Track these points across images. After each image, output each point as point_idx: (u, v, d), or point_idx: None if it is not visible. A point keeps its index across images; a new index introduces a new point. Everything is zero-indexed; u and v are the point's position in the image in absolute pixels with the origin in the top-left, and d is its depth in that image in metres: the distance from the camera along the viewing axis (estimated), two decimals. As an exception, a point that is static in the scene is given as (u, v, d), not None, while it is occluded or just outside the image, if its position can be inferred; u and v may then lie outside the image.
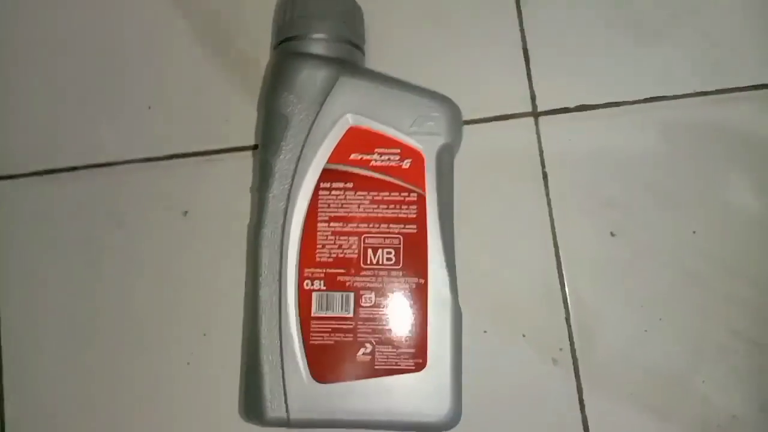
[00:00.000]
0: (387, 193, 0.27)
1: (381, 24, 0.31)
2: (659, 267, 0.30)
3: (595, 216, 0.30)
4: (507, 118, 0.30)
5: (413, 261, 0.26)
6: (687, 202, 0.30)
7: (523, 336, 0.29)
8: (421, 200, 0.27)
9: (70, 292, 0.30)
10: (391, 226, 0.26)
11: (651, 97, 0.31)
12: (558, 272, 0.30)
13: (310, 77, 0.27)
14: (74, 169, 0.30)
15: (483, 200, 0.30)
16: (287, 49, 0.28)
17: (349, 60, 0.28)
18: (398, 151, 0.27)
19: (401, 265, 0.26)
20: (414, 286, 0.26)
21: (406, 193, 0.27)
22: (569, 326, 0.29)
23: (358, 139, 0.27)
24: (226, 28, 0.31)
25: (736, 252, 0.30)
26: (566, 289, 0.30)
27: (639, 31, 0.31)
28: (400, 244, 0.26)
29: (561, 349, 0.29)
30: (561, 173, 0.30)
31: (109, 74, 0.31)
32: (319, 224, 0.26)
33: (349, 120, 0.27)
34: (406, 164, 0.27)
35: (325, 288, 0.26)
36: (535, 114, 0.30)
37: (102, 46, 0.31)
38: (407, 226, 0.26)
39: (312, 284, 0.26)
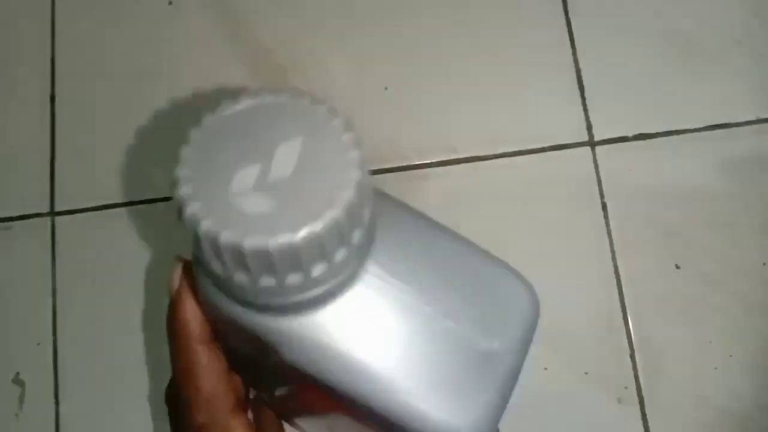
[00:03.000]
0: None
1: (436, 53, 0.31)
2: (727, 300, 0.28)
3: (658, 247, 0.29)
4: (562, 148, 0.30)
5: None
6: (754, 232, 0.29)
7: (586, 374, 0.28)
8: None
9: (130, 326, 0.30)
10: None
11: (712, 125, 0.30)
12: (621, 306, 0.29)
13: None
14: (133, 203, 0.31)
15: (539, 232, 0.29)
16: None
17: None
18: None
19: None
20: None
21: None
22: (634, 363, 0.28)
23: None
24: (280, 64, 0.32)
25: (811, 285, 0.28)
26: (630, 324, 0.28)
27: (697, 58, 0.30)
28: None
29: (626, 388, 0.28)
30: (621, 203, 0.29)
31: (167, 108, 0.32)
32: None
33: None
34: None
35: None
36: (592, 143, 0.30)
37: (161, 89, 0.32)
38: None
39: None
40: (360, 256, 0.18)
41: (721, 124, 0.30)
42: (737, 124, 0.30)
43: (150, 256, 0.30)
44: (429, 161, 0.30)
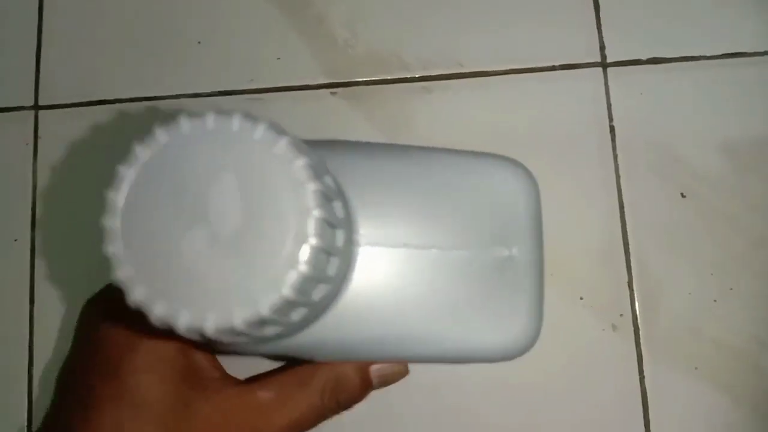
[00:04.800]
0: None
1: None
2: (732, 233, 0.27)
3: (665, 175, 0.28)
4: (573, 68, 0.29)
5: None
6: (764, 164, 0.28)
7: (581, 299, 0.27)
8: None
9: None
10: None
11: (728, 53, 0.29)
12: (622, 233, 0.28)
13: None
14: (119, 101, 0.29)
15: (543, 152, 0.28)
16: None
17: None
18: None
19: None
20: None
21: None
22: (631, 291, 0.27)
23: None
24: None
25: (819, 220, 0.27)
26: (630, 252, 0.28)
27: (719, -17, 0.29)
28: None
29: (621, 315, 0.27)
30: (630, 128, 0.28)
31: (158, 7, 0.30)
32: None
33: None
34: None
35: None
36: (604, 65, 0.29)
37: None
38: None
39: None
40: (347, 253, 0.16)
41: (737, 53, 0.28)
42: (754, 54, 0.28)
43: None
44: (433, 74, 0.29)
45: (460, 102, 0.29)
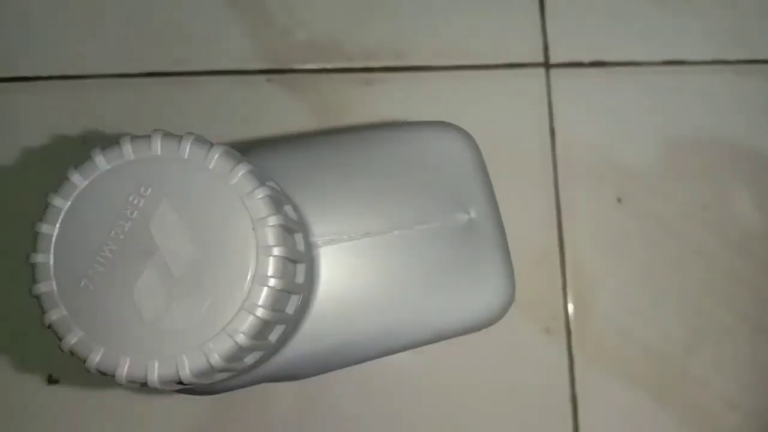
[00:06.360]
0: None
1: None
2: (665, 240, 0.28)
3: (603, 179, 0.28)
4: (515, 67, 0.28)
5: None
6: (700, 173, 0.28)
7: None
8: None
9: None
10: None
11: (670, 60, 0.29)
12: (558, 235, 0.27)
13: None
14: (46, 78, 0.27)
15: (482, 150, 0.28)
16: None
17: None
18: None
19: None
20: None
21: None
22: (565, 295, 0.27)
23: None
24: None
25: (746, 231, 0.28)
26: (565, 255, 0.27)
27: (663, -10, 0.29)
28: None
29: (554, 318, 0.27)
30: (570, 130, 0.28)
31: None
32: None
33: None
34: None
35: None
36: (547, 65, 0.28)
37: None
38: None
39: None
40: (310, 261, 0.15)
41: (679, 61, 0.29)
42: (695, 62, 0.29)
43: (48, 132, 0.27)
44: (374, 66, 0.28)
45: (400, 95, 0.28)
